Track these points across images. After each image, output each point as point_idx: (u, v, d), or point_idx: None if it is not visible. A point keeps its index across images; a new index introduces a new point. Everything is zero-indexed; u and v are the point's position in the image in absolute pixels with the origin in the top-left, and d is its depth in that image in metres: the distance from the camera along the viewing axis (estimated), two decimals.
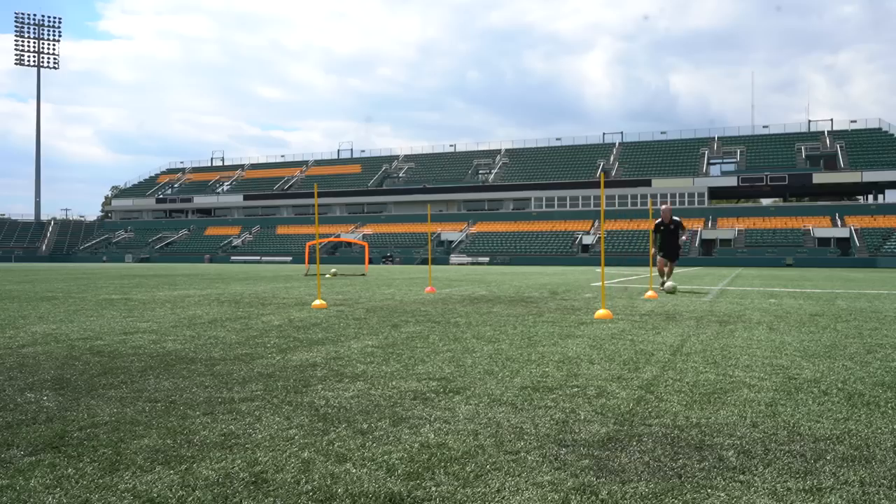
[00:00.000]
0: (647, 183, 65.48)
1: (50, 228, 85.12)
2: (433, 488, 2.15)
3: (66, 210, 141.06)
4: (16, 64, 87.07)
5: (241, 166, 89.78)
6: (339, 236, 65.83)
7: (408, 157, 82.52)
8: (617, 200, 65.49)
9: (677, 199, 63.80)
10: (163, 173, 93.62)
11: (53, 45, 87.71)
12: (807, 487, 2.17)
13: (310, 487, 2.15)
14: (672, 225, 13.35)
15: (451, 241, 65.19)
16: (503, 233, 64.89)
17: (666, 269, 13.37)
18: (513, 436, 2.76)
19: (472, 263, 56.08)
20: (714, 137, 70.62)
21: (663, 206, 13.75)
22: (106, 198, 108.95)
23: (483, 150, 79.67)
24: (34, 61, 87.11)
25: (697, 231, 57.98)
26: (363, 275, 23.66)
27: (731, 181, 63.24)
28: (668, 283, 12.60)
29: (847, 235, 53.11)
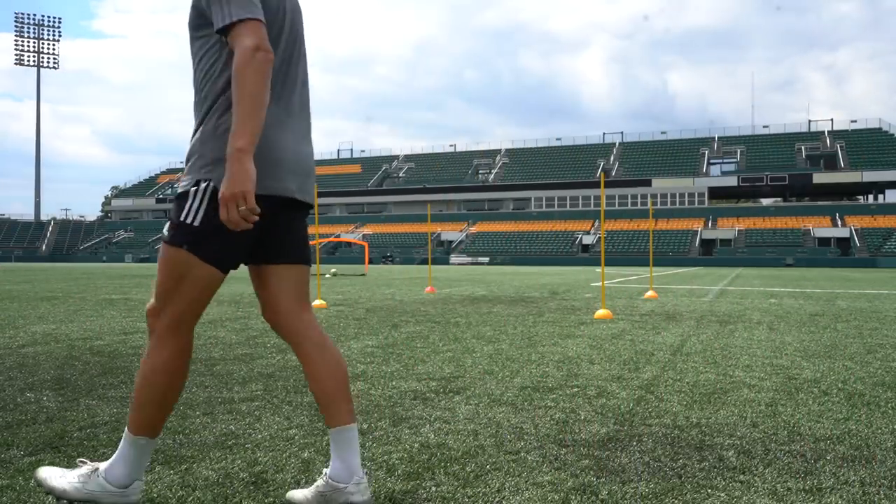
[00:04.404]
0: (648, 183, 65.49)
1: (50, 228, 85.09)
2: (433, 488, 2.15)
3: (66, 210, 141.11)
4: (15, 64, 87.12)
5: None
6: (339, 236, 65.83)
7: (408, 157, 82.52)
8: (617, 200, 65.49)
9: (677, 199, 63.82)
10: (163, 173, 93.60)
11: (53, 45, 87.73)
12: (807, 487, 2.17)
13: None
14: None
15: (451, 241, 65.20)
16: (503, 233, 64.89)
17: None
18: (513, 436, 2.75)
19: (472, 263, 56.07)
20: (714, 137, 70.63)
21: None
22: (106, 198, 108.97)
23: (483, 150, 79.67)
24: (34, 61, 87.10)
25: (697, 231, 57.99)
26: (363, 275, 23.65)
27: (731, 181, 63.25)
28: None
29: (847, 235, 53.12)
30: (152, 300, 1.93)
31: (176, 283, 1.86)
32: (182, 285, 1.86)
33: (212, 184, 1.80)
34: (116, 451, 1.94)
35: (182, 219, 1.81)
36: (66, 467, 2.32)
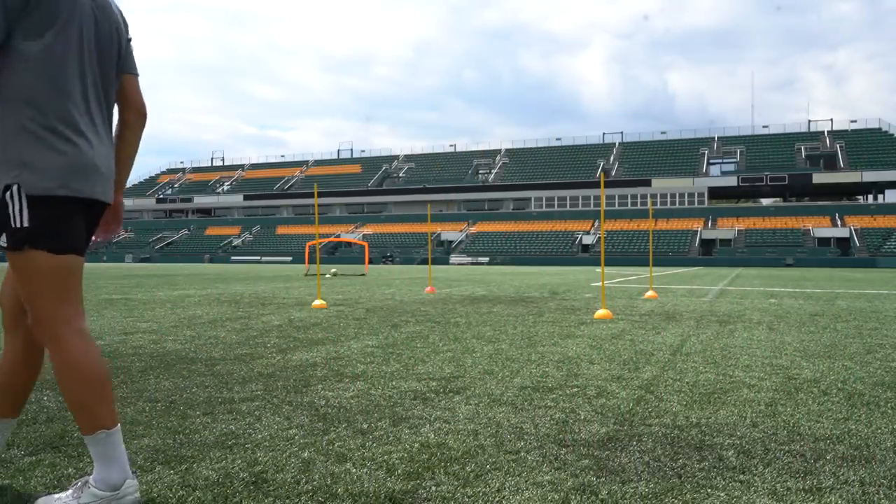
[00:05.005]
0: (647, 183, 65.48)
1: None
2: (433, 488, 2.15)
3: None
4: None
5: (241, 166, 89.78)
6: (339, 236, 65.83)
7: (408, 157, 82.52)
8: (617, 200, 65.49)
9: (677, 199, 63.81)
10: (163, 173, 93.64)
11: None
12: (807, 487, 2.17)
13: (310, 487, 2.15)
14: None
15: (451, 241, 65.18)
16: (503, 233, 64.88)
17: None
18: (513, 436, 2.76)
19: (472, 263, 56.07)
20: (714, 137, 70.63)
21: None
22: None
23: (483, 150, 79.67)
24: None
25: (697, 231, 57.99)
26: (363, 275, 23.66)
27: (731, 181, 63.24)
28: None
29: (847, 235, 53.10)
30: (28, 316, 1.96)
31: (38, 283, 1.90)
32: (44, 283, 1.90)
33: (21, 185, 1.83)
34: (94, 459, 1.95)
35: (13, 225, 1.85)
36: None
